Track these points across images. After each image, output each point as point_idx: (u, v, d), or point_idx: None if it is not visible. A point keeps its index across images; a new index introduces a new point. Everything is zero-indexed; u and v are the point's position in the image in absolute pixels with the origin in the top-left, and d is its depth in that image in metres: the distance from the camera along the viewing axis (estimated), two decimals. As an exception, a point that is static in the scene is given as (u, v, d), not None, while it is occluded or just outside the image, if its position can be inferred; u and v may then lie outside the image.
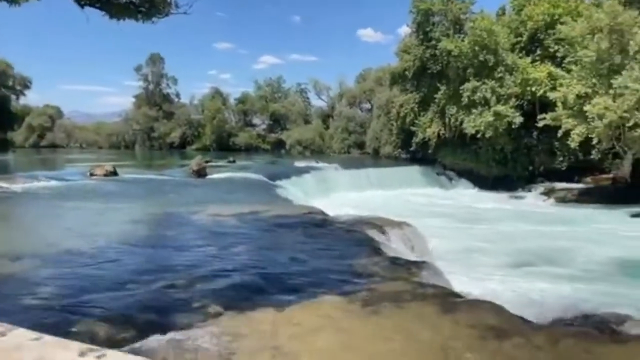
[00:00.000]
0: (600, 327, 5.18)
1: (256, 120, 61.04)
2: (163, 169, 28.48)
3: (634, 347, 4.68)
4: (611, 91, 20.87)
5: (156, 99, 61.96)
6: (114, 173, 22.46)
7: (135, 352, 4.55)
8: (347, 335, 4.79)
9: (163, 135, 59.51)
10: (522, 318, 5.27)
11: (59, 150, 60.82)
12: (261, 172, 24.99)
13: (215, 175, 23.78)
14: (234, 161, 33.35)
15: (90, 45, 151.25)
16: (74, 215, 12.67)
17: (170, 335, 4.87)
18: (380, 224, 9.98)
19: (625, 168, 23.46)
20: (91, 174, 22.19)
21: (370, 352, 4.44)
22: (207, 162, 27.75)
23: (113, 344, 4.83)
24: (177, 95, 64.23)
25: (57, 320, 5.48)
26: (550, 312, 6.46)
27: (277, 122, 58.36)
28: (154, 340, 4.74)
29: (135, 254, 8.33)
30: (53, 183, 18.88)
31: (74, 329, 5.23)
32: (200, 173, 23.73)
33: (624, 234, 15.81)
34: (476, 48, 27.73)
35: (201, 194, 16.81)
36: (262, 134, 58.06)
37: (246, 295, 6.00)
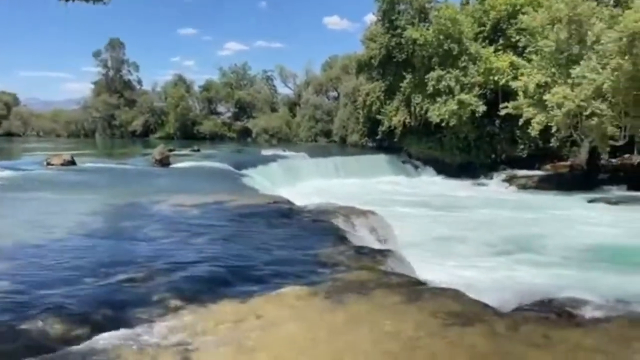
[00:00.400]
0: (558, 312, 5.30)
1: (221, 108, 60.01)
2: (124, 158, 27.71)
3: (588, 330, 4.80)
4: (569, 80, 21.46)
5: (117, 85, 60.05)
6: (72, 162, 21.67)
7: (89, 349, 4.36)
8: (312, 326, 4.73)
9: (124, 123, 57.85)
10: (485, 305, 5.33)
11: (15, 139, 58.38)
12: (226, 161, 24.61)
13: (179, 165, 23.28)
14: (198, 150, 32.73)
15: (49, 30, 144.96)
16: (29, 206, 12.14)
17: (127, 331, 4.69)
18: (346, 213, 9.95)
19: (582, 155, 24.27)
20: (48, 164, 21.35)
21: (334, 342, 4.39)
22: (170, 150, 27.14)
23: (67, 341, 4.63)
24: (139, 82, 62.46)
25: (7, 318, 5.20)
26: (514, 298, 6.59)
27: (243, 110, 57.53)
28: (110, 337, 4.55)
29: (93, 246, 8.03)
30: (7, 173, 18.07)
31: (25, 326, 4.98)
32: (164, 162, 23.18)
33: (585, 220, 16.43)
34: (441, 37, 27.98)
35: (164, 184, 16.43)
36: (228, 122, 57.16)
37: (208, 287, 5.85)
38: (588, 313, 5.24)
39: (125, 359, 4.23)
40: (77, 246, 8.03)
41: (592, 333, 4.55)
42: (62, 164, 21.24)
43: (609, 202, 20.24)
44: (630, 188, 22.55)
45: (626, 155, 23.93)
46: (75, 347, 4.41)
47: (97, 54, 59.61)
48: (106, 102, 57.89)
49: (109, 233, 9.03)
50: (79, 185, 16.22)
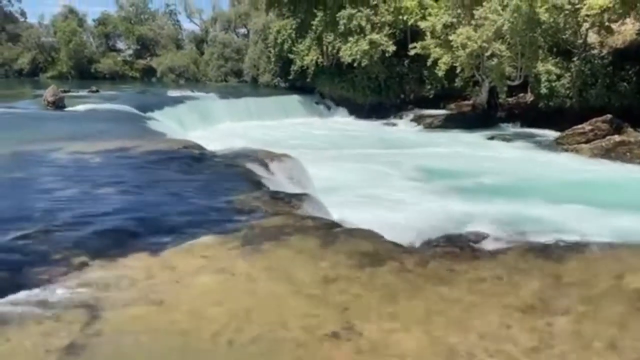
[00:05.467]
0: (462, 246, 5.69)
1: (121, 45, 55.44)
2: (11, 100, 24.92)
3: (487, 262, 5.20)
4: (473, 21, 22.23)
5: (-5, 18, 53.04)
6: (-53, 106, 19.12)
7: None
8: (227, 276, 4.67)
9: (9, 61, 51.71)
10: (396, 244, 5.56)
11: None
12: (129, 103, 23.01)
13: (76, 107, 21.37)
14: (97, 91, 30.25)
15: None
16: None
17: (26, 293, 4.33)
18: (260, 157, 9.77)
19: (483, 95, 25.67)
20: None
21: (249, 290, 4.38)
22: (65, 91, 24.84)
23: (-47, 310, 4.18)
24: (22, 14, 55.58)
25: None
26: (421, 234, 6.96)
27: (145, 47, 53.63)
28: (7, 302, 4.18)
29: (-22, 202, 7.22)
30: None
31: None
32: (58, 104, 21.15)
33: (482, 155, 17.73)
34: (351, -26, 27.49)
35: (60, 129, 15.03)
36: (129, 60, 53.12)
37: (115, 241, 5.52)
38: (488, 246, 5.68)
39: (26, 324, 3.93)
40: (-41, 202, 7.18)
41: (491, 265, 4.94)
42: None
43: (504, 138, 21.91)
44: (523, 125, 24.48)
45: (521, 95, 25.66)
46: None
47: (-32, -20, 51.87)
48: (-16, 37, 51.19)
49: (-2, 186, 8.17)
50: (-44, 133, 14.39)
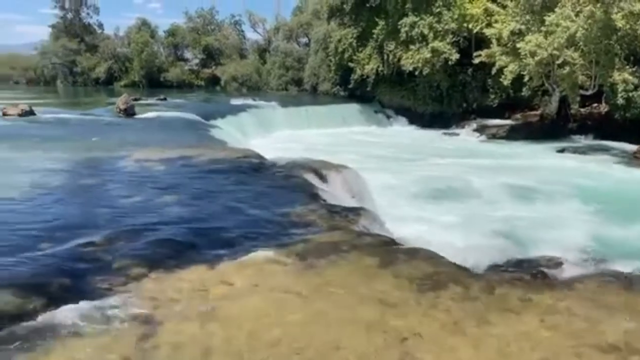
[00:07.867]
0: (533, 272, 5.26)
1: (188, 55, 57.62)
2: (87, 108, 26.43)
3: (562, 292, 4.76)
4: (543, 28, 21.17)
5: (76, 29, 56.65)
6: (31, 112, 20.43)
7: (44, 325, 4.08)
8: (282, 293, 4.54)
9: (87, 70, 55.01)
10: (459, 266, 5.24)
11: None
12: (194, 111, 23.75)
13: (145, 115, 22.30)
14: (165, 99, 31.45)
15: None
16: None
17: (86, 303, 4.40)
18: (318, 168, 9.66)
19: (552, 105, 24.37)
20: (3, 114, 20.10)
21: (305, 310, 4.23)
22: (135, 100, 25.98)
23: (19, 316, 4.31)
24: (100, 26, 59.05)
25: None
26: (487, 256, 6.54)
27: (211, 56, 55.39)
28: (67, 310, 4.27)
29: (49, 207, 7.55)
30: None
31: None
32: (128, 112, 22.15)
33: (550, 168, 16.67)
34: (415, -20, 27.04)
35: (128, 136, 15.68)
36: (195, 69, 55.11)
37: (174, 252, 5.56)
38: (562, 273, 5.22)
39: (84, 335, 3.98)
40: (31, 207, 7.53)
41: (567, 295, 4.51)
42: (20, 115, 19.98)
43: (576, 151, 20.62)
44: (596, 137, 22.98)
45: (594, 105, 24.15)
46: (29, 323, 4.12)
47: (53, -5, 55.69)
48: (66, 47, 54.64)
49: (67, 192, 8.53)
50: (37, 138, 15.29)
